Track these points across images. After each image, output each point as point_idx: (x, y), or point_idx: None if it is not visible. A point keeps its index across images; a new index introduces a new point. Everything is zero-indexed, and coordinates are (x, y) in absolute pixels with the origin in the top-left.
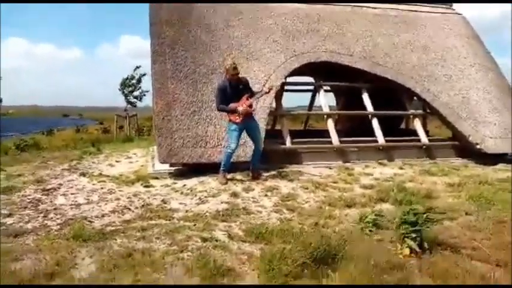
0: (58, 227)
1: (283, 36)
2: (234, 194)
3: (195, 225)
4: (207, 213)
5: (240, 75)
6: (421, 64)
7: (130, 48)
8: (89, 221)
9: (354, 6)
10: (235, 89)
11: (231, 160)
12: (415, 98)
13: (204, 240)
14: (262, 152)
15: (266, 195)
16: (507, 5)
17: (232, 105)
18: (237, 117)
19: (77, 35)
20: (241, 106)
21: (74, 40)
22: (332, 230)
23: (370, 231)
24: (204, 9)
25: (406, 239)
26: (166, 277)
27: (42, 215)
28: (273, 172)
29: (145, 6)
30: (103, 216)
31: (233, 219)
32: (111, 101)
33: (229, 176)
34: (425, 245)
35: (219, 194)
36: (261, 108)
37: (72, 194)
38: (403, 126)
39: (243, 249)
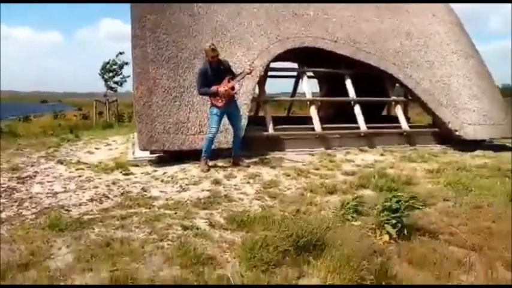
0: (33, 216)
1: (267, 21)
2: (216, 181)
3: (175, 213)
4: (188, 201)
5: (221, 58)
6: (404, 50)
7: (111, 31)
8: (66, 210)
9: None
10: (216, 72)
11: (213, 147)
12: (397, 84)
13: (185, 228)
14: (245, 138)
15: (248, 183)
16: None
17: (213, 88)
18: (219, 101)
19: (56, 18)
20: (222, 88)
21: (53, 23)
22: (313, 217)
23: (352, 217)
24: None
25: (386, 225)
26: (146, 266)
27: (16, 203)
28: (255, 159)
29: None
30: (80, 204)
31: (214, 207)
32: (91, 87)
33: (211, 163)
34: (405, 231)
35: (201, 181)
36: (244, 94)
37: (48, 182)
38: (385, 112)
39: (225, 237)
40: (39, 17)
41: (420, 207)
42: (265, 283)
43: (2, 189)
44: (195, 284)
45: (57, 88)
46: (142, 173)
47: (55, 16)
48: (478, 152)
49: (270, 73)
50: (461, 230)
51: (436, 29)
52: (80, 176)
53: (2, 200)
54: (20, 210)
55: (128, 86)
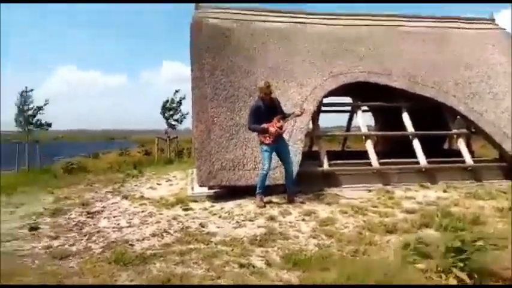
0: (101, 249)
1: (320, 58)
2: (271, 218)
3: (232, 250)
4: (245, 238)
5: (273, 97)
6: (463, 82)
7: (171, 73)
8: (130, 244)
9: (391, 26)
10: (268, 109)
11: (268, 183)
12: (458, 116)
13: (241, 266)
14: (299, 174)
15: (303, 220)
16: None
17: (263, 125)
18: (267, 138)
19: (122, 63)
20: (272, 127)
21: (119, 67)
22: (373, 258)
23: (414, 259)
24: (242, 33)
25: (453, 268)
26: None
27: (86, 237)
28: (310, 195)
29: (186, 33)
30: (143, 239)
31: (270, 245)
32: (153, 124)
33: (266, 199)
34: (475, 275)
35: (256, 217)
36: (298, 130)
37: (114, 216)
38: (446, 146)
39: (281, 276)
40: (106, 60)
41: (490, 251)
42: None
43: (74, 223)
44: None
45: (123, 126)
46: (200, 209)
47: (120, 59)
48: None
49: (323, 108)
50: None
51: (498, 59)
52: (143, 211)
53: (73, 234)
54: (89, 244)
55: (187, 123)
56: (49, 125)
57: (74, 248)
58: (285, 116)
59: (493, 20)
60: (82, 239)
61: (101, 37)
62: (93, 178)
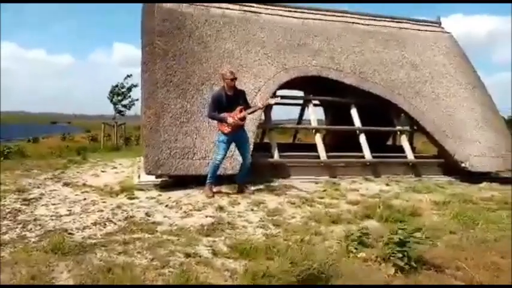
0: (37, 238)
1: (274, 50)
2: (220, 208)
3: (178, 239)
4: (192, 228)
5: (237, 87)
6: (409, 81)
7: (123, 56)
8: (70, 233)
9: (345, 22)
10: (230, 100)
11: (219, 172)
12: (402, 114)
13: (187, 255)
14: (250, 164)
15: (252, 210)
16: (493, 25)
17: (224, 115)
18: (226, 128)
19: (70, 42)
20: (232, 118)
21: (66, 47)
22: (317, 247)
23: (356, 249)
24: (197, 20)
25: (392, 257)
26: None
27: (21, 225)
28: (260, 186)
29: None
30: (84, 228)
31: (218, 234)
32: (101, 109)
33: (215, 189)
34: (412, 263)
35: (205, 207)
36: (250, 121)
37: (53, 204)
38: (390, 142)
39: (227, 265)
40: (52, 39)
41: (428, 242)
42: None
43: (7, 210)
44: None
45: (67, 110)
46: (147, 198)
47: (68, 39)
48: (484, 185)
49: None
50: (468, 265)
51: (441, 61)
52: (85, 199)
53: (6, 222)
54: (24, 233)
55: (137, 109)
56: None
57: (6, 237)
58: (248, 107)
59: (440, 23)
60: (16, 227)
61: (47, 13)
62: (32, 163)
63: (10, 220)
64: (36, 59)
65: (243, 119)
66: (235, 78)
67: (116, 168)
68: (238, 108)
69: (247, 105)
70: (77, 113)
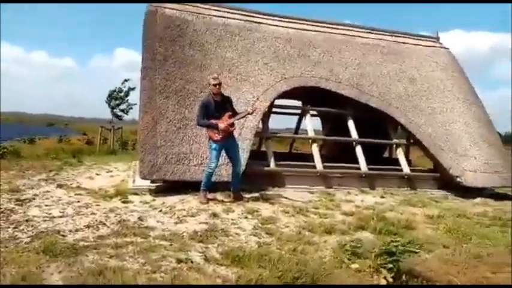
0: (29, 239)
1: (274, 59)
2: (214, 215)
3: (171, 245)
4: (185, 233)
5: (225, 94)
6: (406, 95)
7: (125, 60)
8: (62, 235)
9: (345, 35)
10: (218, 106)
11: (214, 179)
12: (399, 127)
13: (179, 261)
14: (246, 172)
15: (246, 218)
16: (496, 40)
17: (213, 121)
18: (217, 135)
19: (72, 45)
20: (222, 123)
21: (68, 50)
22: (310, 257)
23: (349, 260)
24: (198, 27)
25: (382, 269)
26: None
27: (13, 226)
28: (255, 194)
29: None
30: (77, 230)
31: (211, 241)
32: (98, 113)
33: (210, 195)
34: (403, 277)
35: (198, 213)
36: (247, 129)
37: (46, 205)
38: (386, 155)
39: (218, 272)
40: (56, 42)
41: (416, 251)
42: None
43: (0, 210)
44: None
45: (64, 112)
46: (141, 202)
47: (72, 42)
48: (478, 200)
49: (274, 109)
50: (460, 279)
51: (439, 76)
52: (78, 202)
53: None
54: (16, 233)
55: (135, 114)
56: None
57: None
58: (236, 114)
59: (438, 38)
60: (8, 227)
61: (51, 14)
62: (27, 164)
63: (3, 220)
64: (38, 61)
65: (232, 125)
66: (220, 84)
67: (111, 171)
68: (227, 114)
69: (234, 112)
70: (75, 116)
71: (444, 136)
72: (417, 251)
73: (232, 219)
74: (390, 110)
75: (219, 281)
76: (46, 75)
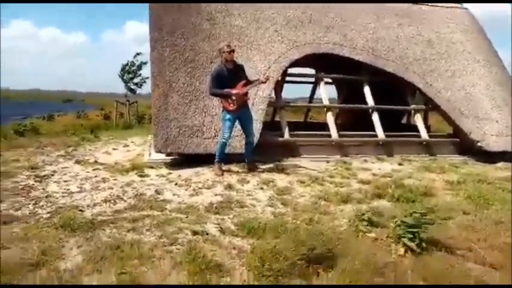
0: (48, 215)
1: (285, 27)
2: (229, 186)
3: (187, 217)
4: (200, 205)
5: (237, 62)
6: (424, 58)
7: (136, 33)
8: (80, 210)
9: None
10: (231, 75)
11: (227, 151)
12: (417, 92)
13: (195, 233)
14: (260, 143)
15: (261, 188)
16: None
17: (226, 90)
18: (231, 105)
19: (83, 20)
20: (236, 91)
21: (80, 25)
22: (326, 226)
23: (366, 229)
24: None
25: (402, 238)
26: (154, 271)
27: (33, 202)
28: (270, 165)
29: None
30: (94, 205)
31: (226, 212)
32: (113, 87)
33: (225, 167)
34: (422, 245)
35: (214, 185)
36: (260, 99)
37: (65, 181)
38: (404, 120)
39: (234, 243)
40: (65, 18)
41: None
42: None
43: (20, 187)
44: None
45: (81, 87)
46: (157, 175)
47: (81, 17)
48: (500, 164)
49: (287, 78)
50: (481, 246)
51: (458, 38)
52: (95, 177)
53: (19, 198)
54: (36, 209)
55: (149, 88)
56: None
57: (19, 213)
58: (249, 82)
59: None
60: (29, 204)
61: None
62: (46, 141)
63: (23, 196)
64: (49, 37)
65: (246, 93)
66: (233, 51)
67: (127, 146)
68: (241, 83)
69: (248, 80)
70: (90, 91)
71: (464, 100)
72: (439, 222)
73: (247, 191)
74: (408, 74)
75: (234, 252)
76: (58, 51)
